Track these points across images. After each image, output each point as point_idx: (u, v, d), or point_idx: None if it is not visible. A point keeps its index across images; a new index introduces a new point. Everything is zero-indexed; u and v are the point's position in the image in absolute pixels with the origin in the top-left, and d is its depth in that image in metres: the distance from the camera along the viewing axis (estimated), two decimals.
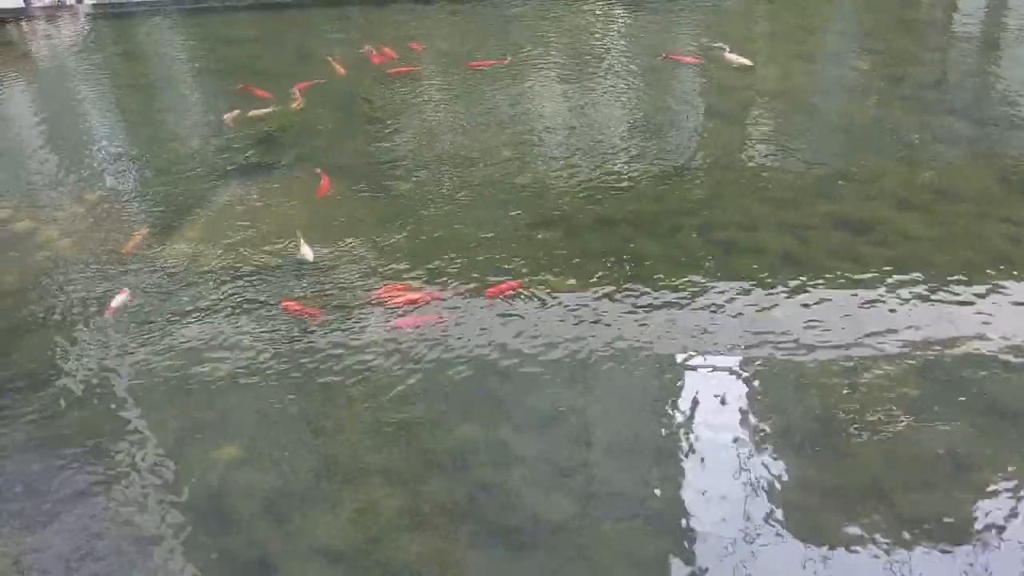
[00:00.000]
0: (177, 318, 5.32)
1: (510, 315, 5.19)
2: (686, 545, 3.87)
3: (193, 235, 6.15)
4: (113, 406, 4.74)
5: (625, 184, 6.53)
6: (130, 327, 5.27)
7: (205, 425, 4.60)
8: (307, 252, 5.70)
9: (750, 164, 6.84)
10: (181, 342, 5.12)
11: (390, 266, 5.67)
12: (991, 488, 4.04)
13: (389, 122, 7.76)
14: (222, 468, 4.32)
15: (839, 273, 5.43)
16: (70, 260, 5.94)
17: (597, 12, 10.30)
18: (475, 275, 5.54)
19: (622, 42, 9.59)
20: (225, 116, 7.82)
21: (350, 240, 5.96)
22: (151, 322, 5.30)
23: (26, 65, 9.87)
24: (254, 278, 5.63)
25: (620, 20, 10.14)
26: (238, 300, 5.44)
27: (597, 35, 9.69)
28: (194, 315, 5.33)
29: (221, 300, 5.45)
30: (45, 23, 10.96)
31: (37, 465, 4.41)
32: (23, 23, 10.95)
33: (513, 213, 6.20)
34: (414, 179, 6.76)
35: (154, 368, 4.95)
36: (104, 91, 9.06)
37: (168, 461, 4.40)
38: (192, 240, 6.09)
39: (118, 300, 5.43)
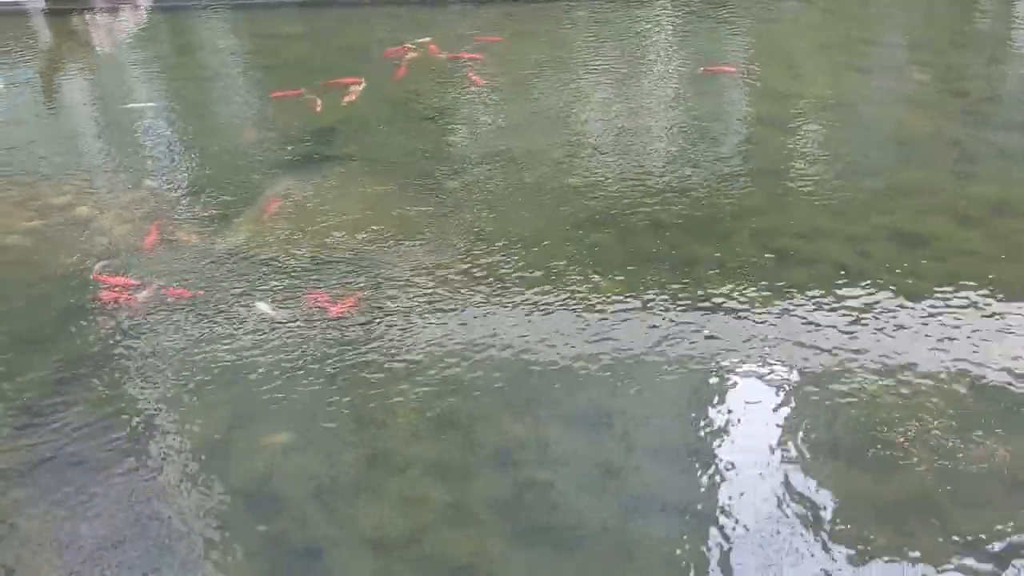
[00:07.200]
0: (228, 307, 5.40)
1: (555, 313, 5.20)
2: (730, 553, 3.84)
3: (248, 226, 6.24)
4: (164, 391, 4.83)
5: (677, 188, 6.49)
6: (184, 314, 5.37)
7: (254, 412, 4.66)
8: (265, 308, 5.33)
9: (805, 173, 6.75)
10: (231, 331, 5.20)
11: (438, 263, 5.71)
12: None
13: (440, 120, 7.81)
14: (270, 455, 4.38)
15: (895, 286, 5.34)
16: (127, 247, 6.06)
17: (650, 17, 10.26)
18: (523, 274, 5.56)
19: (673, 48, 9.54)
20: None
21: (399, 236, 6.01)
22: (203, 310, 5.39)
23: (88, 55, 10.12)
24: (305, 270, 5.71)
25: (672, 26, 10.09)
26: (289, 290, 5.52)
27: (650, 40, 9.65)
28: (244, 305, 5.42)
29: (273, 290, 5.53)
30: (107, 15, 11.22)
31: (87, 448, 4.49)
32: (86, 14, 11.23)
33: (563, 214, 6.20)
34: (465, 177, 6.79)
35: (204, 356, 5.03)
36: (163, 82, 9.23)
37: (216, 447, 4.47)
38: (247, 231, 6.17)
39: (145, 294, 5.52)
